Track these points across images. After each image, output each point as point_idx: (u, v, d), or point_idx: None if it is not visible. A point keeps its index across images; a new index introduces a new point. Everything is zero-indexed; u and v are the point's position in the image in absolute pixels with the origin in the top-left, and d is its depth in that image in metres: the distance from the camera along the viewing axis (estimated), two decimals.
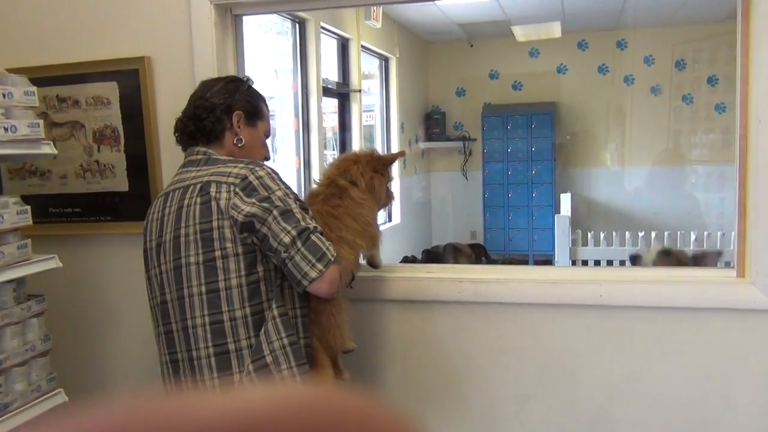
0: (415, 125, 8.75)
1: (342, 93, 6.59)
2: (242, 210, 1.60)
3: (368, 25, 6.48)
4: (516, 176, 8.75)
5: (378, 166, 1.88)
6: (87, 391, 2.32)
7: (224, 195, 1.62)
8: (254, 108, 1.83)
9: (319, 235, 1.63)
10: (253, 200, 1.60)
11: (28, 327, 1.84)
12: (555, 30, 8.06)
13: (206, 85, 1.84)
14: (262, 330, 1.65)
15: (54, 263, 1.89)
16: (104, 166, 2.24)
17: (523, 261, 8.73)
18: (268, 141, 1.92)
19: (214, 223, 1.63)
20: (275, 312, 1.66)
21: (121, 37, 2.18)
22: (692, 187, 8.13)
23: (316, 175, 5.69)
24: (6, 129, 1.69)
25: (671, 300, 1.86)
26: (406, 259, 2.36)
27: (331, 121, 6.78)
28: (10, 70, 2.26)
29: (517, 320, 1.97)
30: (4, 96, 1.71)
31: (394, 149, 7.92)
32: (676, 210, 7.80)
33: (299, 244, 1.59)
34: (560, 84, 8.69)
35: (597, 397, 1.94)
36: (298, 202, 1.66)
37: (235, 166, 1.67)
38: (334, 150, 6.69)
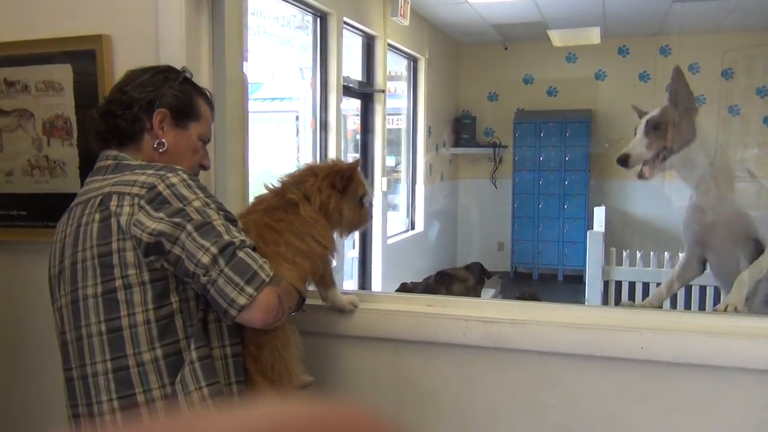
0: (444, 130, 8.39)
1: (365, 93, 6.24)
2: (147, 228, 1.27)
3: (395, 21, 6.12)
4: (548, 186, 8.35)
5: (336, 180, 1.50)
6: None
7: (126, 210, 1.30)
8: (185, 106, 1.49)
9: (250, 251, 1.29)
10: (162, 215, 1.28)
11: None
12: (594, 35, 7.62)
13: (130, 76, 1.50)
14: (178, 377, 1.31)
15: None
16: (54, 162, 1.91)
17: (552, 276, 8.32)
18: (209, 147, 1.58)
19: (114, 245, 1.30)
20: (193, 355, 1.32)
21: (77, 12, 1.86)
22: (738, 204, 7.61)
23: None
24: None
25: (734, 358, 1.45)
26: (405, 287, 1.98)
27: (354, 123, 6.45)
28: None
29: (534, 372, 1.58)
30: None
31: (420, 154, 7.57)
32: None
33: (222, 263, 1.25)
34: (598, 91, 8.25)
35: None
36: (222, 213, 1.33)
37: (143, 173, 1.34)
38: (356, 153, 6.36)
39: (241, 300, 1.25)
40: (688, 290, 4.71)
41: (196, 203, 1.30)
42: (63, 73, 1.87)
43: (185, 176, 1.33)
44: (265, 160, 5.13)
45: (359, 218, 1.56)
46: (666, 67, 7.91)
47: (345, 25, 5.58)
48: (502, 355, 1.60)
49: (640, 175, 2.20)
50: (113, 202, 1.31)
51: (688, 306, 4.63)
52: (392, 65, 7.08)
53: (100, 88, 1.83)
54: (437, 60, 7.82)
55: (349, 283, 6.19)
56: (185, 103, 1.49)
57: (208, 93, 1.60)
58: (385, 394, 1.71)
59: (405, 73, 7.54)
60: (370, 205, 1.61)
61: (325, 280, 1.60)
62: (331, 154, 5.33)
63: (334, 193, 1.50)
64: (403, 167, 7.66)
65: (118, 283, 1.29)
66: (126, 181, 1.33)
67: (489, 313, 1.62)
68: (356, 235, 6.39)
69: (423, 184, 7.61)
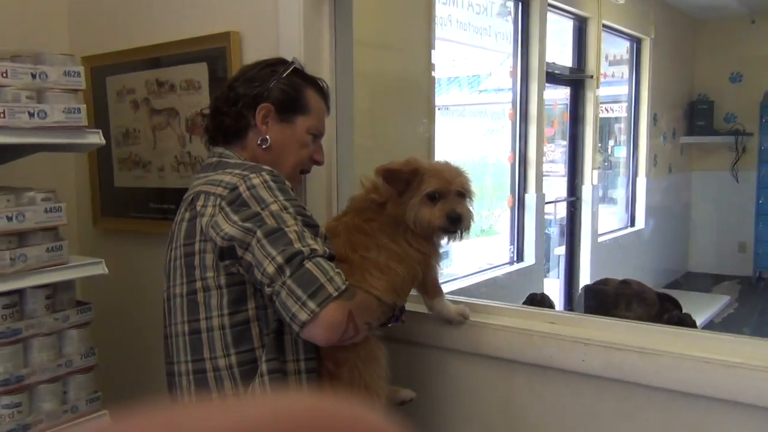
0: (674, 116, 7.56)
1: (575, 80, 5.82)
2: (221, 231, 1.22)
3: (610, 0, 5.60)
4: None
5: (392, 182, 1.32)
6: None
7: (209, 210, 1.25)
8: (291, 100, 1.41)
9: (321, 261, 1.17)
10: (236, 218, 1.21)
11: (66, 339, 1.64)
12: None
13: (241, 71, 1.48)
14: (249, 389, 1.24)
15: (99, 269, 1.66)
16: (195, 158, 1.99)
17: None
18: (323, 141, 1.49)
19: (196, 246, 1.27)
20: (264, 367, 1.24)
21: (210, 11, 1.90)
22: None
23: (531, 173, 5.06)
24: (32, 114, 1.47)
25: None
26: (533, 300, 1.74)
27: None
28: (110, 54, 2.12)
29: (667, 416, 1.27)
30: (34, 76, 1.50)
31: (642, 144, 6.91)
32: None
33: (287, 274, 1.15)
34: None
35: None
36: (300, 218, 1.22)
37: (230, 173, 1.28)
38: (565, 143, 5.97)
39: (303, 316, 1.14)
40: None
41: (274, 207, 1.21)
42: (200, 72, 1.93)
43: (268, 177, 1.26)
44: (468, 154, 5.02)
45: (431, 217, 1.30)
46: None
47: (551, 8, 5.23)
48: (628, 390, 1.31)
49: None
50: (200, 202, 1.28)
51: None
52: (610, 48, 6.53)
53: None
54: (666, 39, 7.07)
55: (554, 282, 5.85)
56: (291, 96, 1.42)
57: (323, 84, 1.51)
58: (493, 418, 1.51)
59: (626, 56, 6.91)
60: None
61: (428, 287, 1.43)
62: (532, 146, 5.05)
63: (392, 195, 1.34)
64: (622, 158, 7.06)
65: (198, 285, 1.27)
66: (214, 181, 1.30)
67: (615, 337, 1.34)
68: (564, 231, 6.03)
69: (645, 176, 6.94)
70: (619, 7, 5.97)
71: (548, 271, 5.76)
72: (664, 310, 1.69)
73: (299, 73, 1.46)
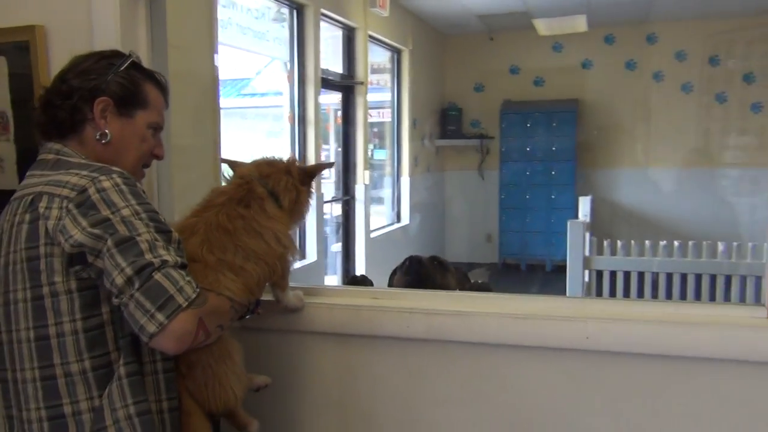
0: (430, 122, 8.34)
1: (346, 86, 6.18)
2: (70, 237, 1.20)
3: (375, 13, 6.06)
4: (535, 177, 8.29)
5: (305, 178, 1.49)
6: None
7: (54, 213, 1.22)
8: (131, 93, 1.41)
9: (171, 272, 1.18)
10: (86, 223, 1.20)
11: None
12: (580, 23, 7.54)
13: (73, 62, 1.43)
14: (106, 392, 1.25)
15: None
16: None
17: (540, 267, 8.28)
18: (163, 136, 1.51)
19: (41, 250, 1.23)
20: (122, 371, 1.25)
21: (11, 2, 1.80)
22: (723, 192, 7.57)
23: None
24: None
25: (678, 347, 1.41)
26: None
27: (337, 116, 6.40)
28: None
29: (478, 364, 1.55)
30: None
31: (405, 146, 7.52)
32: (706, 216, 7.26)
33: (136, 286, 1.16)
34: (585, 80, 8.18)
35: None
36: (153, 224, 1.23)
37: (77, 174, 1.26)
38: (339, 146, 6.31)
39: (151, 328, 1.15)
40: (669, 278, 4.70)
41: (125, 212, 1.20)
42: None
43: (119, 180, 1.24)
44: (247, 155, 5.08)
45: (308, 212, 1.53)
46: (652, 55, 7.84)
47: (323, 17, 5.51)
48: (446, 347, 1.56)
49: None
50: (42, 204, 1.23)
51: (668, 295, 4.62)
52: (375, 57, 7.03)
53: (35, 81, 1.77)
54: (421, 51, 7.76)
55: (332, 278, 6.15)
56: (130, 90, 1.40)
57: (161, 78, 1.50)
58: (329, 389, 1.67)
59: (389, 66, 7.49)
60: None
61: (284, 282, 1.52)
62: (310, 148, 5.28)
63: (304, 189, 1.47)
64: (388, 160, 7.63)
65: (45, 290, 1.23)
66: (58, 182, 1.25)
67: (433, 304, 1.58)
68: (339, 228, 6.37)
69: (408, 176, 7.58)
70: (383, 19, 6.45)
71: (326, 268, 6.05)
72: (463, 280, 2.00)
73: (137, 66, 1.46)
